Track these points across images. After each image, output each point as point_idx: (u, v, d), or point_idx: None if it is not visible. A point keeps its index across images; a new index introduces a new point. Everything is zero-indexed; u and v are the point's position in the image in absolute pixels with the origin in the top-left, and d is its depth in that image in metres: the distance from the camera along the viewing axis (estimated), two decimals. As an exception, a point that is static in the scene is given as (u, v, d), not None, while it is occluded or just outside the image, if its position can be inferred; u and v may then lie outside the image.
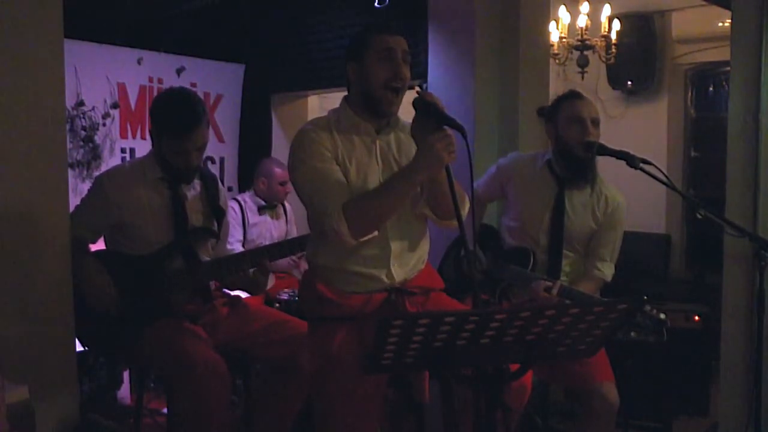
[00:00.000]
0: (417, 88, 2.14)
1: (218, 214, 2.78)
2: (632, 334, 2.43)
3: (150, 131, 2.71)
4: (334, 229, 2.05)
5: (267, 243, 4.14)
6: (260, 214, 4.40)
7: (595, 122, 2.70)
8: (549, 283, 2.56)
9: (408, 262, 2.25)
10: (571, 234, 2.76)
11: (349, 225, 2.03)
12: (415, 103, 2.04)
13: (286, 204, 4.56)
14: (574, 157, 2.71)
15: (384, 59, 2.12)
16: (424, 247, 2.32)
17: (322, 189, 2.09)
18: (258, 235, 4.34)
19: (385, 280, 2.20)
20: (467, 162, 1.85)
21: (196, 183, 2.75)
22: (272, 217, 4.45)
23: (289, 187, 4.38)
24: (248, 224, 4.35)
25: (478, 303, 1.78)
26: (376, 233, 2.11)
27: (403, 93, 2.17)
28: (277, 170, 4.38)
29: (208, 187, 2.77)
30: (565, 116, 2.72)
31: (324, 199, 2.08)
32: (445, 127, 1.98)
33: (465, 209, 2.17)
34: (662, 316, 2.43)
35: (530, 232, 2.80)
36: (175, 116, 2.58)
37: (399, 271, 2.21)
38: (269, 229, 4.42)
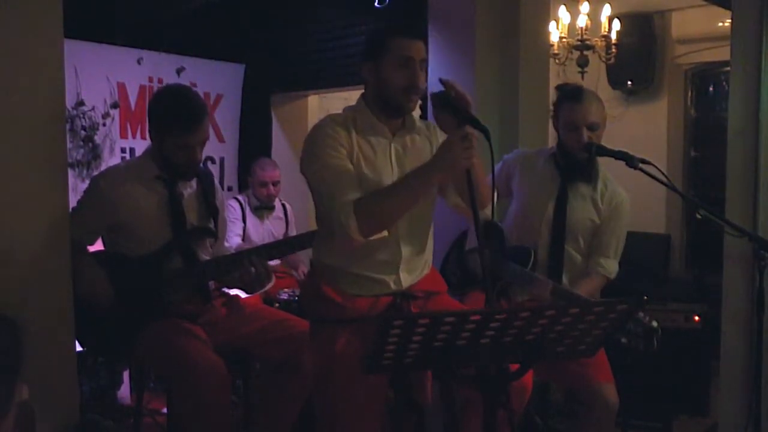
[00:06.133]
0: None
1: (214, 212, 2.78)
2: (623, 340, 2.41)
3: (149, 129, 2.69)
4: (342, 224, 2.02)
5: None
6: (255, 216, 4.39)
7: (593, 126, 2.66)
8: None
9: (416, 267, 2.25)
10: (574, 226, 2.74)
11: (358, 221, 2.01)
12: (439, 99, 2.01)
13: (286, 205, 4.55)
14: (573, 158, 2.72)
15: (402, 66, 2.10)
16: (430, 250, 2.32)
17: (334, 185, 2.06)
18: (256, 236, 4.32)
19: (393, 285, 2.19)
20: (489, 163, 1.85)
21: (193, 181, 2.74)
22: (268, 218, 4.43)
23: (272, 188, 4.35)
24: (246, 224, 4.34)
25: (492, 301, 1.78)
26: (385, 233, 2.09)
27: (419, 96, 2.17)
28: (259, 171, 4.33)
29: (205, 185, 2.77)
30: (563, 121, 2.72)
31: (335, 194, 2.05)
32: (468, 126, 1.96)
33: (486, 209, 2.17)
34: (654, 324, 2.40)
35: (533, 223, 2.78)
36: (178, 113, 2.56)
37: (407, 277, 2.21)
38: (267, 231, 4.41)
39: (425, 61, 2.15)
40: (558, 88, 2.87)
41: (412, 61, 2.11)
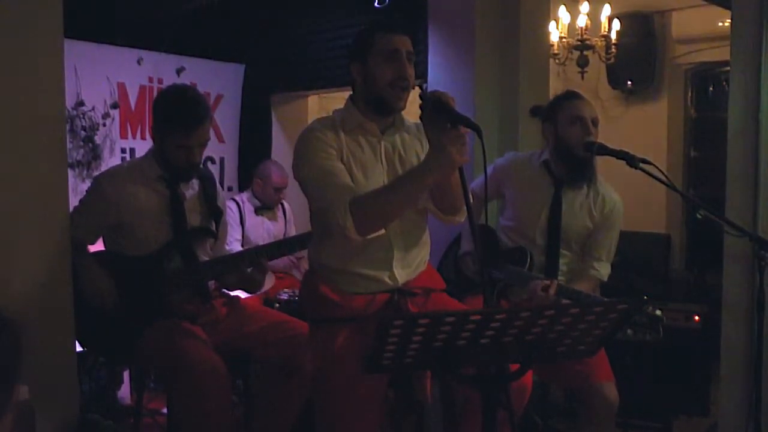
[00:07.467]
0: (422, 88, 2.13)
1: (216, 214, 2.78)
2: (629, 332, 2.43)
3: (151, 128, 2.70)
4: (339, 225, 2.01)
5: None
6: (257, 215, 4.39)
7: (595, 122, 2.71)
8: (546, 282, 2.56)
9: (410, 263, 2.24)
10: (568, 233, 2.76)
11: (354, 221, 2.00)
12: (426, 102, 1.97)
13: (285, 204, 4.56)
14: (573, 157, 2.72)
15: (389, 60, 2.11)
16: (426, 247, 2.32)
17: (328, 186, 2.06)
18: (255, 236, 4.33)
19: (388, 282, 2.19)
20: (481, 160, 1.85)
21: (195, 182, 2.75)
22: (270, 219, 4.44)
23: (284, 193, 4.38)
24: (245, 225, 4.34)
25: (491, 302, 1.78)
26: (382, 231, 2.09)
27: (409, 91, 2.16)
28: (275, 175, 4.35)
29: (207, 186, 2.77)
30: (565, 116, 2.72)
31: (330, 195, 2.05)
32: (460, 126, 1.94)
33: (459, 215, 2.19)
34: (658, 312, 2.43)
35: (527, 231, 2.80)
36: (180, 113, 2.57)
37: (401, 273, 2.21)
38: (267, 230, 4.41)
39: (412, 53, 2.15)
40: (535, 107, 2.89)
41: (398, 53, 2.12)
